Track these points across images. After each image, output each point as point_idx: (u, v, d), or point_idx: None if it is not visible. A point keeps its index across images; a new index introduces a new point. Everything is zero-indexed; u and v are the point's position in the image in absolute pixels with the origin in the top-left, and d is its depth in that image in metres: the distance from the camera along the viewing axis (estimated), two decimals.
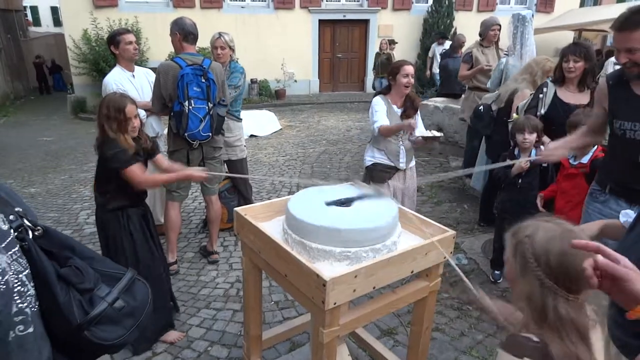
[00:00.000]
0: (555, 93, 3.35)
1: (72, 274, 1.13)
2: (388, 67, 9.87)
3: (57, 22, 22.78)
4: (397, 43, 11.64)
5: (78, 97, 11.74)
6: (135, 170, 2.44)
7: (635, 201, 2.17)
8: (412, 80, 3.30)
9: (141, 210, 2.68)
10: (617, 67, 2.31)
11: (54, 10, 23.50)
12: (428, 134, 3.34)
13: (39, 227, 1.10)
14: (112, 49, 3.60)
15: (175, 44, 3.42)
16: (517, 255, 1.12)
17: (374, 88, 10.50)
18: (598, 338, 1.16)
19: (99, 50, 10.82)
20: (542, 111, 3.38)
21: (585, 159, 2.91)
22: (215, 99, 3.40)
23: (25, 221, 1.06)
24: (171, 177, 2.63)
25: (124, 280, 1.28)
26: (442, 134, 3.47)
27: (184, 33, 3.35)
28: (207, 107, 3.33)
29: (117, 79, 3.54)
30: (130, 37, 3.57)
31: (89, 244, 4.12)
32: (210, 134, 3.42)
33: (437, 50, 10.41)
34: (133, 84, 3.62)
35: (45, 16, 25.61)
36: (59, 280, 1.10)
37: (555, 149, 2.52)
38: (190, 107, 3.25)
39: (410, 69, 3.28)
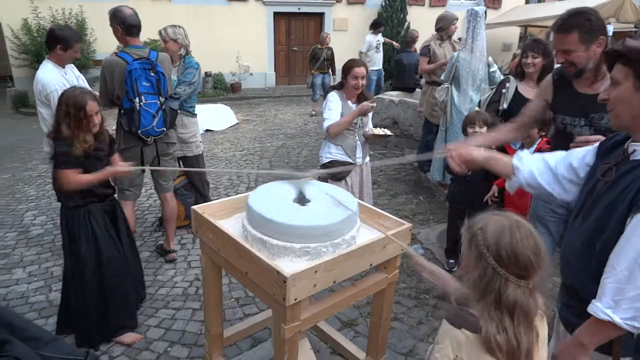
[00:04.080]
0: (516, 88, 3.48)
1: None
2: (331, 62, 9.62)
3: None
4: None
5: (19, 91, 11.05)
6: (66, 174, 2.42)
7: None
8: (363, 82, 3.29)
9: (107, 206, 2.68)
10: None
11: None
12: (380, 132, 3.39)
13: None
14: (56, 47, 3.28)
15: (118, 38, 3.27)
16: (472, 246, 1.22)
17: (312, 85, 9.55)
18: (543, 326, 1.28)
19: (41, 41, 10.21)
20: (505, 105, 3.49)
21: (531, 150, 3.07)
22: (166, 92, 3.31)
23: None
24: (96, 176, 2.52)
25: None
26: (392, 134, 3.55)
27: (125, 26, 3.18)
28: (158, 102, 3.25)
29: (57, 79, 3.28)
30: (79, 47, 3.47)
31: (37, 247, 3.93)
32: (165, 129, 3.34)
33: (373, 41, 9.47)
34: (67, 79, 3.39)
35: None
36: None
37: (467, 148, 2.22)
38: (142, 103, 3.15)
39: (360, 72, 3.26)
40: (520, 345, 1.16)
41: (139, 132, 3.20)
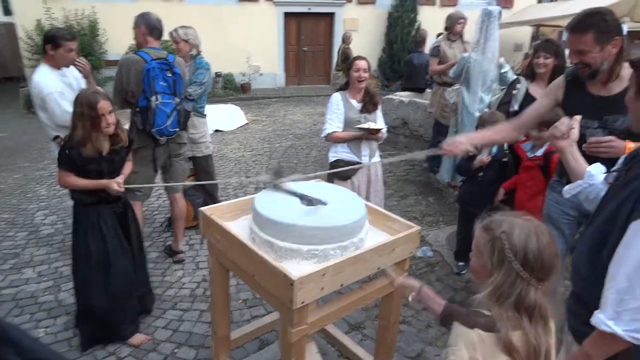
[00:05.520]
0: (527, 89, 3.40)
1: None
2: None
3: (7, 10, 21.52)
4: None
5: None
6: (62, 174, 2.49)
7: None
8: (365, 75, 3.32)
9: (118, 208, 2.71)
10: None
11: None
12: (364, 125, 3.31)
13: None
14: (47, 48, 3.15)
15: (139, 37, 3.31)
16: (495, 250, 1.19)
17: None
18: (553, 327, 1.28)
19: None
20: (515, 107, 3.40)
21: (540, 152, 3.01)
22: (181, 93, 3.35)
23: None
24: (87, 184, 2.52)
25: None
26: (383, 127, 3.38)
27: (149, 27, 3.25)
28: (174, 102, 3.26)
29: (53, 82, 3.15)
30: (73, 45, 3.19)
31: (46, 247, 3.96)
32: (178, 130, 3.35)
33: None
34: (64, 81, 3.27)
35: None
36: None
37: (460, 143, 2.27)
38: (158, 102, 3.17)
39: (361, 64, 3.32)
40: (540, 347, 1.15)
41: (153, 130, 3.20)
